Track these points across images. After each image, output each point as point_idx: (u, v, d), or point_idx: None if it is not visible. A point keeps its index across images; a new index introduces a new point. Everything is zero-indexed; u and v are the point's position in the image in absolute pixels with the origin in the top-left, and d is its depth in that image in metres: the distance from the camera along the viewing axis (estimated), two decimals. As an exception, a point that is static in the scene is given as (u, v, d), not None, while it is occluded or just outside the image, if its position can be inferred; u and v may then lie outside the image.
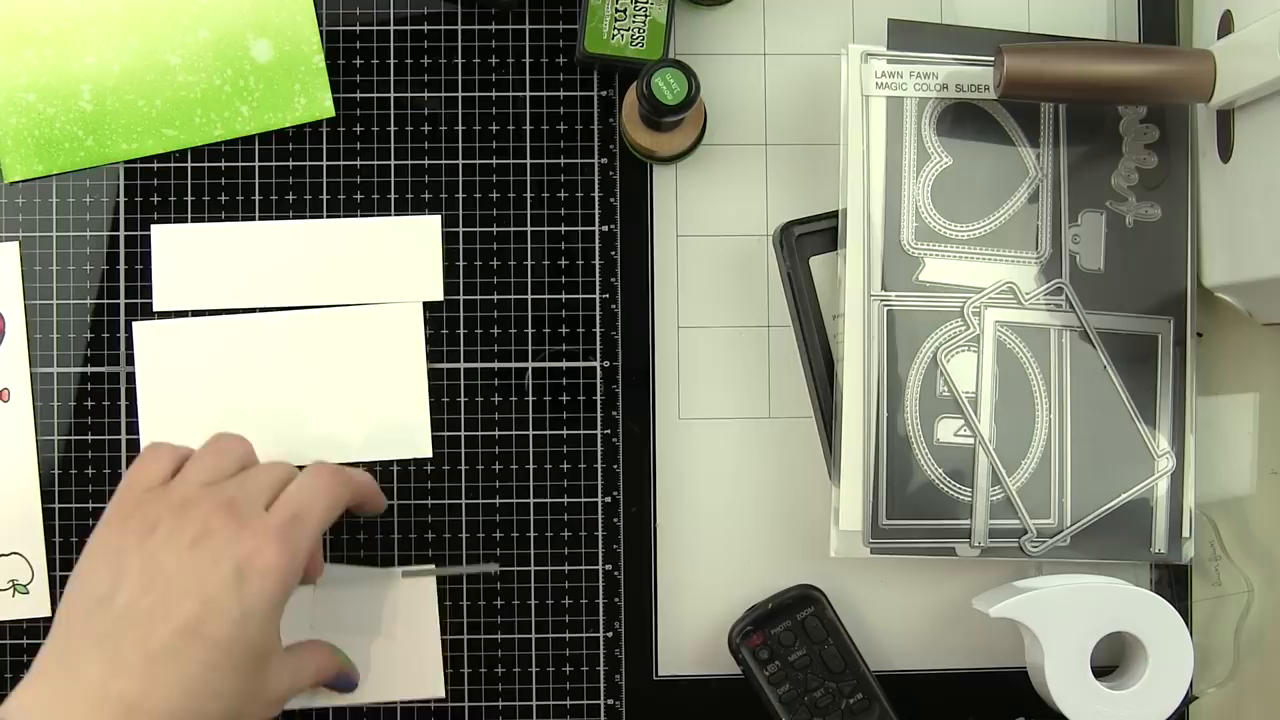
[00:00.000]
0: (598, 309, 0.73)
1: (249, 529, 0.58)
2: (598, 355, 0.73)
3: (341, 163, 0.72)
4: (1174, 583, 0.73)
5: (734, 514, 0.73)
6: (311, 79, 0.72)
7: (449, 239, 0.72)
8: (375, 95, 0.73)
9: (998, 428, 0.70)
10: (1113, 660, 0.71)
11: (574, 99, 0.73)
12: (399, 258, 0.72)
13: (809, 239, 0.70)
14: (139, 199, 0.72)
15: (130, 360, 0.72)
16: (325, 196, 0.73)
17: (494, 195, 0.73)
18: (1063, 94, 0.66)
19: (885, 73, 0.70)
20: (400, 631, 0.70)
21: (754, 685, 0.69)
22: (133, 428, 0.72)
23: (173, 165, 0.72)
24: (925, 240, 0.70)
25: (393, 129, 0.73)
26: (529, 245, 0.73)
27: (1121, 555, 0.71)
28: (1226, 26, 0.67)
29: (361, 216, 0.72)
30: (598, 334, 0.73)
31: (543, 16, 0.73)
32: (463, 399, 0.72)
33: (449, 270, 0.72)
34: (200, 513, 0.59)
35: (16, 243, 0.72)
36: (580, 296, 0.73)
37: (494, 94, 0.73)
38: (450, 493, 0.72)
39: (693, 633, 0.72)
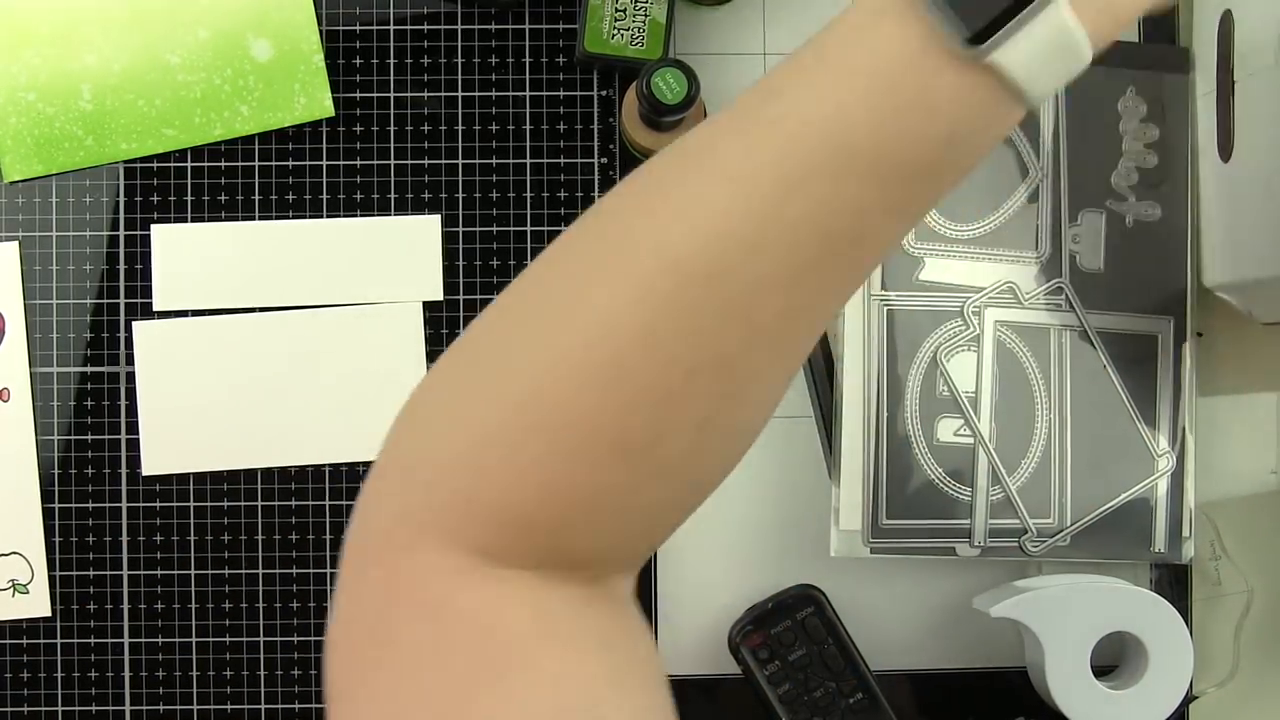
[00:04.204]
0: (598, 309, 0.73)
1: None
2: (598, 355, 0.72)
3: (341, 163, 0.72)
4: (1174, 583, 0.73)
5: (734, 514, 0.72)
6: (311, 79, 0.72)
7: (449, 239, 0.72)
8: (375, 95, 0.73)
9: (998, 427, 0.70)
10: (1113, 660, 0.71)
11: (574, 99, 0.73)
12: (399, 258, 0.72)
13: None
14: (139, 199, 0.72)
15: (130, 360, 0.72)
16: (325, 196, 0.72)
17: (494, 195, 0.73)
18: None
19: (885, 72, 0.69)
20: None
21: (754, 685, 0.69)
22: (133, 427, 0.72)
23: (173, 165, 0.72)
24: (925, 240, 0.70)
25: (393, 129, 0.73)
26: (529, 245, 0.73)
27: (1121, 555, 0.71)
28: (1226, 26, 0.67)
29: (361, 216, 0.72)
30: (598, 334, 0.72)
31: (543, 16, 0.73)
32: (463, 399, 0.72)
33: (449, 270, 0.72)
34: None
35: (16, 243, 0.72)
36: (580, 296, 0.73)
37: (494, 94, 0.73)
38: (450, 493, 0.72)
39: (693, 633, 0.72)
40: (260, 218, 0.72)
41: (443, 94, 0.73)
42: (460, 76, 0.73)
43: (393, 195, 0.73)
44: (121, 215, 0.72)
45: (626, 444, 0.39)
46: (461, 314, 0.72)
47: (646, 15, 0.70)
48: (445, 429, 0.40)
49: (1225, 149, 0.67)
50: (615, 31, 0.70)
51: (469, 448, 0.39)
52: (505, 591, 0.39)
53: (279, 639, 0.72)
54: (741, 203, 0.38)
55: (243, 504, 0.72)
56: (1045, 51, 0.37)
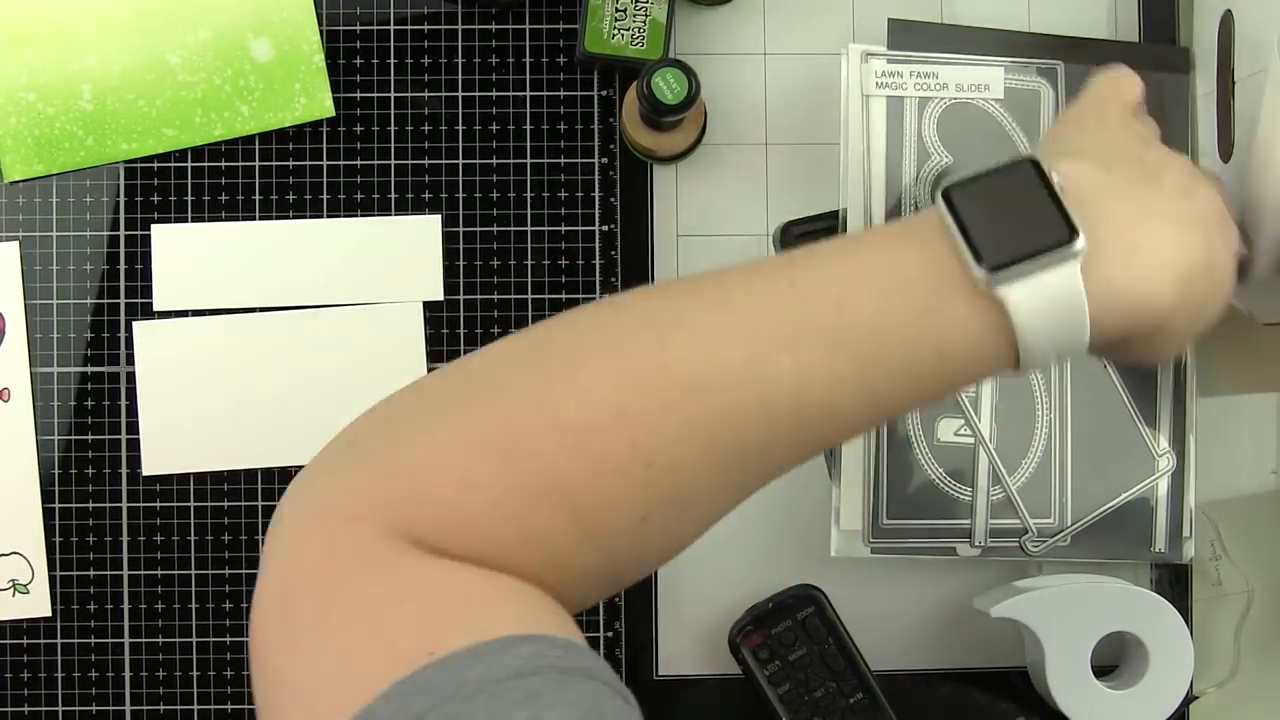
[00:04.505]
0: (598, 309, 0.73)
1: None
2: (598, 355, 0.72)
3: (341, 163, 0.72)
4: (1174, 583, 0.73)
5: (734, 514, 0.72)
6: (311, 79, 0.72)
7: (449, 239, 0.72)
8: (375, 95, 0.73)
9: (998, 427, 0.70)
10: (1113, 660, 0.71)
11: (574, 99, 0.73)
12: (399, 258, 0.72)
13: (809, 239, 0.70)
14: (139, 199, 0.72)
15: (130, 360, 0.72)
16: (325, 196, 0.73)
17: (494, 195, 0.73)
18: None
19: (885, 72, 0.70)
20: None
21: (754, 685, 0.69)
22: (133, 428, 0.72)
23: (173, 165, 0.72)
24: (925, 240, 0.70)
25: (393, 129, 0.73)
26: (529, 245, 0.73)
27: (1122, 555, 0.71)
28: (1227, 26, 0.67)
29: (361, 216, 0.72)
30: (598, 334, 0.72)
31: (543, 16, 0.73)
32: (463, 399, 0.72)
33: (449, 270, 0.72)
34: (1190, 182, 0.50)
35: (16, 243, 0.72)
36: (580, 296, 0.73)
37: (494, 94, 0.73)
38: (450, 493, 0.72)
39: (693, 633, 0.72)
40: (260, 218, 0.72)
41: (443, 94, 0.73)
42: (460, 76, 0.73)
43: (393, 195, 0.73)
44: (121, 215, 0.72)
45: (574, 503, 0.41)
46: (461, 314, 0.72)
47: (646, 15, 0.70)
48: (417, 431, 0.42)
49: (1225, 149, 0.67)
50: (615, 31, 0.70)
51: (435, 452, 0.42)
52: (447, 563, 0.40)
53: (279, 639, 0.72)
54: (741, 341, 0.42)
55: (243, 504, 0.72)
56: (1048, 304, 0.42)
